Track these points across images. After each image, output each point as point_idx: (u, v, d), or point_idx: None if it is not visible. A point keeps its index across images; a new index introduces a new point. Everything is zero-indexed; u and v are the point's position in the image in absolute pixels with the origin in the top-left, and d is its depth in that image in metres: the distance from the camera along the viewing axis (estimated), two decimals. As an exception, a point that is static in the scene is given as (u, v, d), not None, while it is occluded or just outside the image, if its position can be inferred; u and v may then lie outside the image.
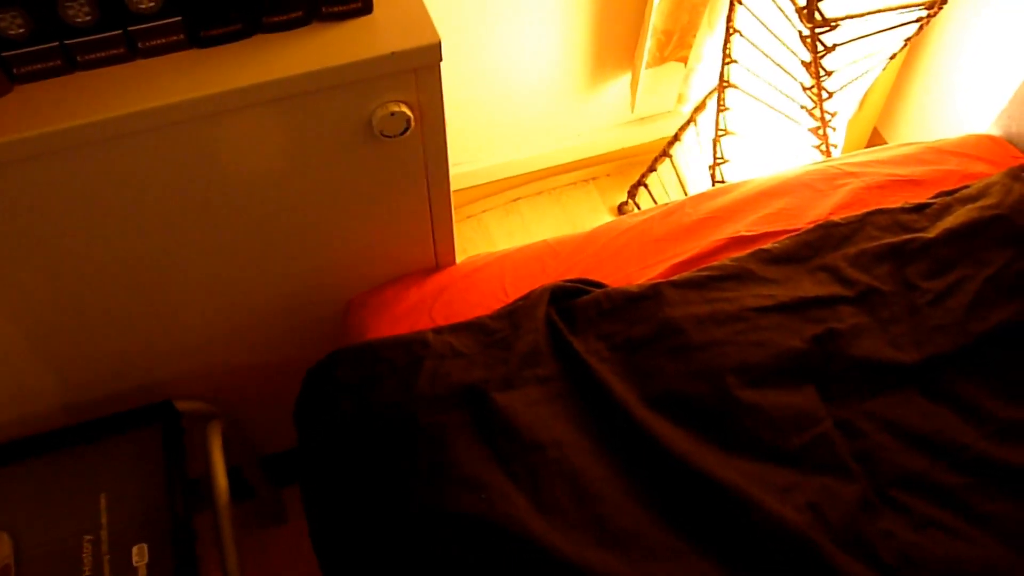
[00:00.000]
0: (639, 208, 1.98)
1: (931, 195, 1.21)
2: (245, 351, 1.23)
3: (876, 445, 0.96)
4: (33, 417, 1.17)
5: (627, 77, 1.88)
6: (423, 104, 0.94)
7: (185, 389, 1.24)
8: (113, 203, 0.92)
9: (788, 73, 1.39)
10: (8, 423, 1.15)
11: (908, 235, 1.10)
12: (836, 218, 1.15)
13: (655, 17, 1.67)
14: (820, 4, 1.21)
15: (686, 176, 1.81)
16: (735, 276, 1.07)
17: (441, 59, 0.89)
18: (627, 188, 2.00)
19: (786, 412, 0.96)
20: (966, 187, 1.18)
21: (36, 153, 0.83)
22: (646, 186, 1.92)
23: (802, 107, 1.41)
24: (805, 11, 1.21)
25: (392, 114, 0.92)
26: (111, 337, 1.10)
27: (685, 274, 1.08)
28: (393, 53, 0.86)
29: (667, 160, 1.84)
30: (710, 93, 1.67)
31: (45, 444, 1.13)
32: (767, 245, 1.12)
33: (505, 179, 2.00)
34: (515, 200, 2.04)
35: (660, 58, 1.77)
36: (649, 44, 1.71)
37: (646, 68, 1.76)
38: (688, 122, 1.75)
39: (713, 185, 1.66)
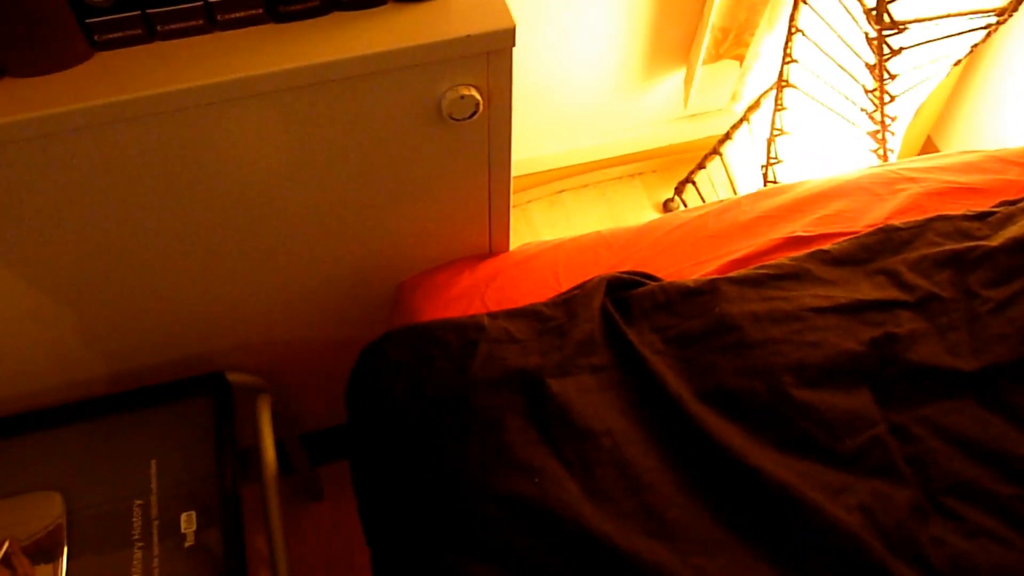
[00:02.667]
0: (685, 206, 1.97)
1: (992, 204, 1.20)
2: (296, 328, 1.24)
3: (930, 451, 0.95)
4: (88, 383, 1.19)
5: (680, 73, 1.87)
6: (492, 88, 0.94)
7: (235, 362, 1.26)
8: (180, 173, 0.93)
9: (850, 75, 1.37)
10: (62, 387, 1.18)
11: (970, 243, 1.09)
12: (896, 222, 1.14)
13: (713, 14, 1.66)
14: (889, 6, 1.20)
15: (736, 175, 1.81)
16: (793, 275, 1.06)
17: (514, 44, 0.89)
18: (673, 185, 1.99)
19: (840, 414, 0.95)
20: (1030, 197, 1.16)
21: (112, 119, 0.84)
22: (694, 183, 1.91)
23: (862, 110, 1.40)
24: (874, 13, 1.20)
25: (462, 97, 0.92)
26: (166, 309, 1.12)
27: (742, 271, 1.08)
28: (468, 36, 0.86)
29: (717, 158, 1.83)
30: (765, 92, 1.66)
31: (99, 408, 1.15)
32: (826, 246, 1.11)
33: (551, 170, 2.01)
34: (560, 192, 2.04)
35: (716, 55, 1.76)
36: (706, 41, 1.70)
37: (701, 65, 1.75)
38: (741, 120, 1.74)
39: (765, 185, 1.65)
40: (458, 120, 0.95)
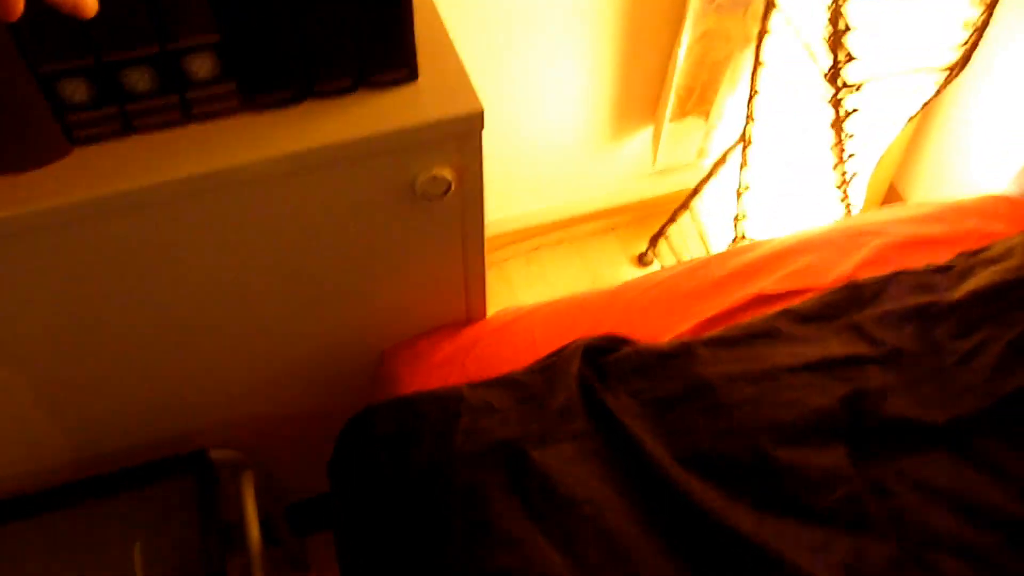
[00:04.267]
0: (659, 258, 2.00)
1: (952, 253, 1.23)
2: (277, 402, 1.25)
3: (906, 504, 0.97)
4: (68, 467, 1.19)
5: (647, 130, 1.92)
6: (463, 167, 0.97)
7: (217, 438, 1.26)
8: (158, 262, 0.95)
9: (810, 133, 1.42)
10: (44, 471, 1.17)
11: (933, 296, 1.12)
12: (861, 278, 1.17)
13: (677, 74, 1.71)
14: (843, 69, 1.24)
15: (707, 228, 1.84)
16: (764, 335, 1.09)
17: (483, 126, 0.92)
18: (647, 238, 2.03)
19: (817, 471, 0.97)
20: (987, 248, 1.20)
21: (92, 214, 0.86)
22: (666, 237, 1.95)
23: (824, 166, 1.44)
24: (829, 75, 1.25)
25: (434, 178, 0.95)
26: (147, 392, 1.13)
27: (715, 332, 1.10)
28: (439, 121, 0.89)
29: (687, 212, 1.87)
30: (730, 148, 1.70)
31: (81, 493, 1.15)
32: (794, 304, 1.14)
33: (527, 228, 2.04)
34: (536, 249, 2.07)
35: (681, 113, 1.81)
36: (672, 100, 1.75)
37: (668, 123, 1.80)
38: (709, 176, 1.78)
39: (735, 238, 1.69)
40: (431, 199, 0.98)
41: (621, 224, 2.12)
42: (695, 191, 1.82)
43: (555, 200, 2.01)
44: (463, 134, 0.93)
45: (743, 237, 1.66)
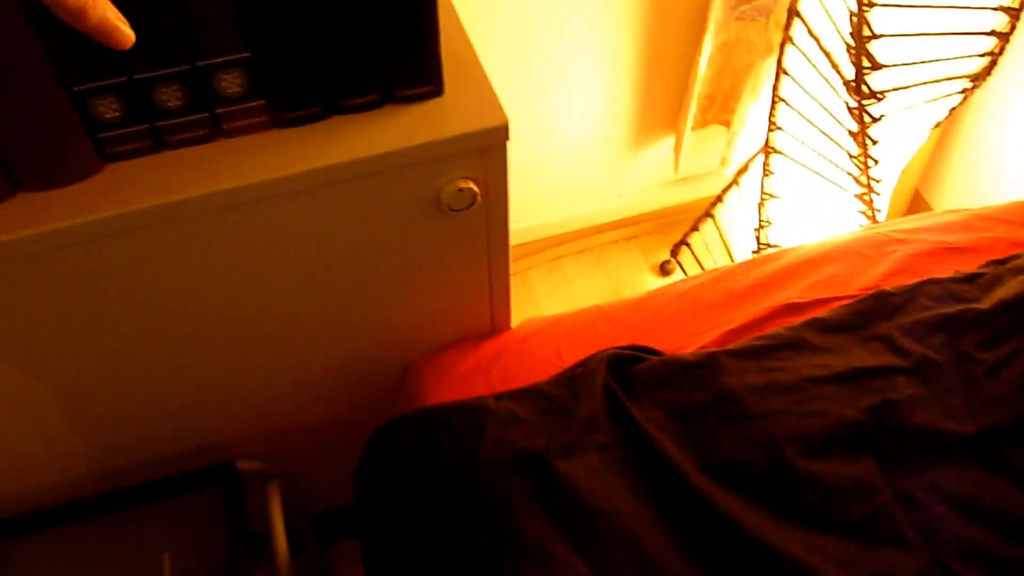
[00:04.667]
0: (681, 267, 2.00)
1: (980, 262, 1.22)
2: (303, 412, 1.26)
3: (935, 517, 0.96)
4: (94, 478, 1.20)
5: (669, 139, 1.92)
6: (489, 180, 0.97)
7: (242, 449, 1.27)
8: (187, 275, 0.96)
9: (834, 141, 1.41)
10: (70, 483, 1.19)
11: (961, 306, 1.11)
12: (887, 287, 1.16)
13: (698, 83, 1.71)
14: (867, 77, 1.24)
15: (729, 237, 1.84)
16: (790, 345, 1.08)
17: (508, 138, 0.93)
18: (669, 247, 2.03)
19: (845, 483, 0.96)
20: (1016, 257, 1.19)
21: (124, 229, 0.87)
22: (689, 246, 1.95)
23: (848, 174, 1.43)
24: (853, 84, 1.24)
25: (460, 190, 0.95)
26: (175, 404, 1.14)
27: (741, 343, 1.10)
28: (464, 134, 0.90)
29: (710, 220, 1.86)
30: (753, 156, 1.70)
31: (110, 504, 1.16)
32: (821, 313, 1.13)
33: (549, 237, 2.04)
34: (558, 258, 2.07)
35: (702, 121, 1.81)
36: (693, 108, 1.75)
37: (690, 131, 1.80)
38: (731, 184, 1.78)
39: (758, 247, 1.68)
40: (457, 211, 0.98)
41: (643, 232, 2.12)
42: (718, 199, 1.82)
43: (577, 209, 2.02)
44: (489, 147, 0.93)
45: (767, 245, 1.65)
